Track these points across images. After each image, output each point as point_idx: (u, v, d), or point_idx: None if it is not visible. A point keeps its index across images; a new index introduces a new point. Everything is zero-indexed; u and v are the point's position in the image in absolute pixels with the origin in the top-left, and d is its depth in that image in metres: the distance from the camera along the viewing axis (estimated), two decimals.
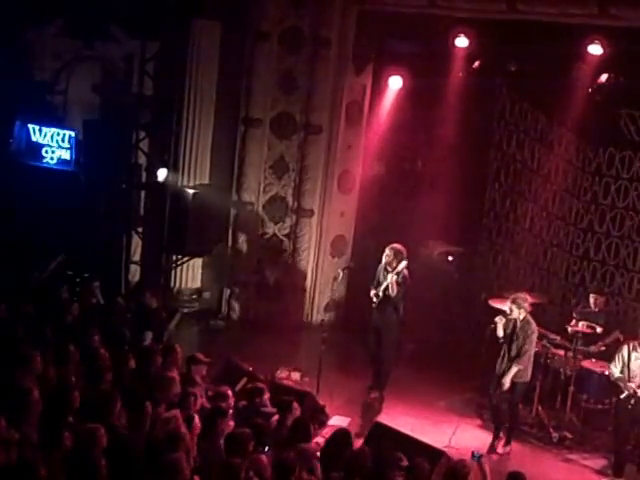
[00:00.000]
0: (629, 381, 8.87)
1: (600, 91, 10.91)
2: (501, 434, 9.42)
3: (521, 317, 9.18)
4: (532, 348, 9.23)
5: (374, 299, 10.20)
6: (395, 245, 10.09)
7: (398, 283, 9.93)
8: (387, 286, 9.99)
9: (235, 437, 6.88)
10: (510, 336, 9.21)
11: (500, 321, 9.23)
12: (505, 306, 10.18)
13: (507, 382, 9.14)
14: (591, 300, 10.43)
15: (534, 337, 9.23)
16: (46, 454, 6.23)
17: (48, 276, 11.25)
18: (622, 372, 8.96)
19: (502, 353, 9.29)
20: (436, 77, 11.79)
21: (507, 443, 9.41)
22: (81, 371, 8.15)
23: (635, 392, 8.81)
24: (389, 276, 9.93)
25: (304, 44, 12.34)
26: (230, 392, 8.03)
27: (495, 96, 12.13)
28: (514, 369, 9.12)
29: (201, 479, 6.51)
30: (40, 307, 9.89)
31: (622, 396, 8.91)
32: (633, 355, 8.91)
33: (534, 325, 9.24)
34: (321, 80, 12.34)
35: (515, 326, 9.21)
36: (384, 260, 10.07)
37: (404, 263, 9.91)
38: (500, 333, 9.26)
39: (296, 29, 12.36)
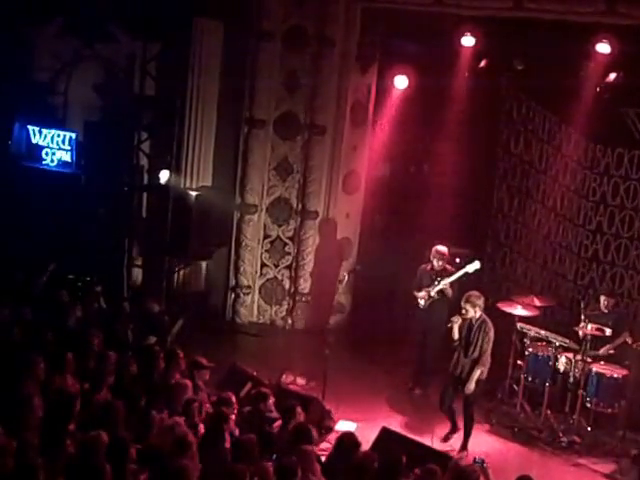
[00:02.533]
0: None
1: (608, 90, 11.00)
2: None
3: (477, 316, 9.23)
4: (490, 346, 9.27)
5: (421, 301, 10.61)
6: (440, 249, 10.66)
7: (452, 285, 10.49)
8: (442, 289, 10.48)
9: (241, 443, 6.99)
10: (466, 337, 9.25)
11: (457, 321, 9.29)
12: (513, 309, 10.34)
13: (472, 386, 9.22)
14: (602, 301, 10.50)
15: (492, 335, 9.27)
16: (48, 460, 6.33)
17: (43, 284, 11.31)
18: None
19: (456, 355, 9.35)
20: (442, 77, 11.86)
21: (464, 448, 9.42)
22: (84, 376, 8.26)
23: None
24: (447, 280, 10.46)
25: (308, 43, 12.41)
26: (234, 397, 8.12)
27: (502, 96, 12.21)
28: (477, 371, 9.20)
29: None
30: (41, 311, 10.01)
31: None
32: None
33: (490, 323, 9.30)
34: (325, 80, 12.42)
35: (471, 326, 9.26)
36: (436, 265, 10.62)
37: (476, 265, 10.47)
38: (456, 335, 9.29)
39: (300, 28, 12.43)
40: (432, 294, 10.59)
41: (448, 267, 10.73)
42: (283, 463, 6.64)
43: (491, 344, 9.26)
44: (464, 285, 10.65)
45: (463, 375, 9.28)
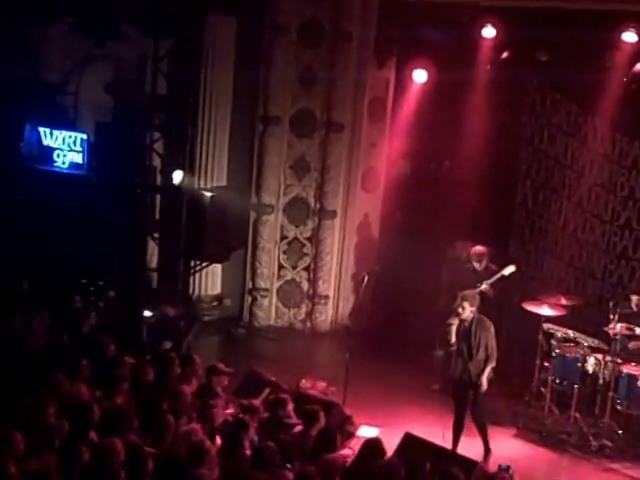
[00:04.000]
0: None
1: (636, 80, 10.89)
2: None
3: (471, 316, 9.12)
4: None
5: None
6: (478, 249, 10.75)
7: (493, 285, 10.46)
8: (483, 290, 10.38)
9: (261, 451, 6.97)
10: (466, 340, 9.12)
11: (455, 323, 9.14)
12: (539, 309, 10.26)
13: (485, 383, 9.12)
14: (633, 300, 10.40)
15: (493, 330, 9.22)
16: (64, 468, 6.35)
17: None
18: None
19: (455, 361, 9.20)
20: (463, 70, 11.78)
21: (488, 452, 9.33)
22: (98, 383, 8.28)
23: None
24: (484, 283, 10.40)
25: (324, 37, 12.40)
26: (260, 406, 8.10)
27: (525, 88, 12.10)
28: (488, 368, 9.12)
29: None
30: (56, 318, 10.04)
31: None
32: None
33: (487, 319, 9.25)
34: (342, 75, 12.39)
35: (468, 328, 9.13)
36: (478, 267, 10.68)
37: (511, 268, 10.49)
38: (453, 338, 9.15)
39: (315, 22, 12.42)
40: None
41: (491, 266, 10.69)
42: (302, 473, 6.61)
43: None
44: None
45: (473, 379, 9.17)
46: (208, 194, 12.12)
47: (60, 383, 7.95)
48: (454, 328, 9.16)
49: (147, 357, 9.19)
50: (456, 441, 9.26)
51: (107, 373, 8.34)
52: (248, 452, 7.18)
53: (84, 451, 6.56)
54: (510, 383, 10.69)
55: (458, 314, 9.14)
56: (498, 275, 10.50)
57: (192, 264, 12.80)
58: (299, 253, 12.87)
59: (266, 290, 12.89)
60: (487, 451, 9.33)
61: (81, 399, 7.67)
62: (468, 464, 7.97)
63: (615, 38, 10.66)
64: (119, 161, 12.56)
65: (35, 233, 12.24)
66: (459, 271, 11.06)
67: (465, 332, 9.15)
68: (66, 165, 12.67)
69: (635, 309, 10.36)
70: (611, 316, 9.94)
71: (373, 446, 7.33)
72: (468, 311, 9.11)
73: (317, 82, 12.50)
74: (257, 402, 8.20)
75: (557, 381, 10.19)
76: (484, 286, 10.44)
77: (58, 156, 12.67)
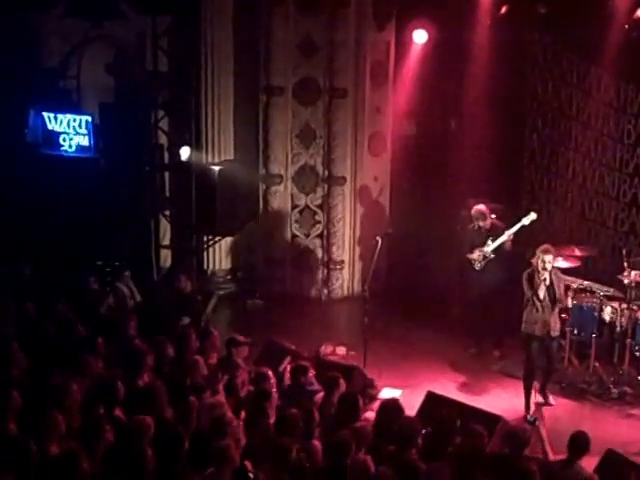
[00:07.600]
0: None
1: (637, 27, 10.81)
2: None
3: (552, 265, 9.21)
4: None
5: (477, 263, 10.57)
6: (480, 208, 10.64)
7: (511, 240, 10.47)
8: (499, 245, 10.42)
9: (284, 418, 7.05)
10: (550, 292, 9.22)
11: (546, 277, 9.15)
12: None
13: (557, 325, 9.34)
14: None
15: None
16: (89, 447, 6.46)
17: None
18: None
19: (536, 315, 9.26)
20: (462, 28, 11.73)
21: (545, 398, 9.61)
22: (122, 363, 8.37)
23: None
24: (505, 234, 10.40)
25: (321, 3, 12.30)
26: (270, 372, 8.19)
27: (526, 42, 12.05)
28: (556, 310, 9.32)
29: (251, 462, 6.68)
30: (73, 300, 10.13)
31: None
32: None
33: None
34: (342, 41, 12.32)
35: (550, 277, 9.21)
36: (482, 225, 10.57)
37: (532, 216, 10.34)
38: (543, 294, 9.19)
39: None
40: (488, 254, 10.51)
41: (497, 223, 10.66)
42: (337, 438, 6.68)
43: None
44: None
45: (551, 331, 9.32)
46: (216, 168, 12.11)
47: (88, 364, 8.05)
48: (545, 284, 9.17)
49: (166, 334, 9.25)
50: (529, 393, 9.42)
51: (130, 352, 8.42)
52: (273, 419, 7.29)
53: (108, 430, 6.67)
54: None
55: (545, 268, 9.13)
56: (519, 225, 10.42)
57: (205, 239, 12.87)
58: (311, 221, 12.91)
59: (281, 260, 12.94)
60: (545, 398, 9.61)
61: (105, 377, 7.79)
62: (491, 419, 8.05)
63: None
64: (126, 141, 12.58)
65: (48, 218, 12.30)
66: (464, 232, 11.04)
67: (548, 284, 9.20)
68: (73, 149, 12.66)
69: None
70: (625, 264, 9.96)
71: (391, 407, 7.41)
72: (550, 264, 9.14)
73: (317, 49, 12.43)
74: (268, 370, 8.27)
75: (575, 332, 10.23)
76: (505, 237, 10.43)
77: (64, 140, 12.65)
